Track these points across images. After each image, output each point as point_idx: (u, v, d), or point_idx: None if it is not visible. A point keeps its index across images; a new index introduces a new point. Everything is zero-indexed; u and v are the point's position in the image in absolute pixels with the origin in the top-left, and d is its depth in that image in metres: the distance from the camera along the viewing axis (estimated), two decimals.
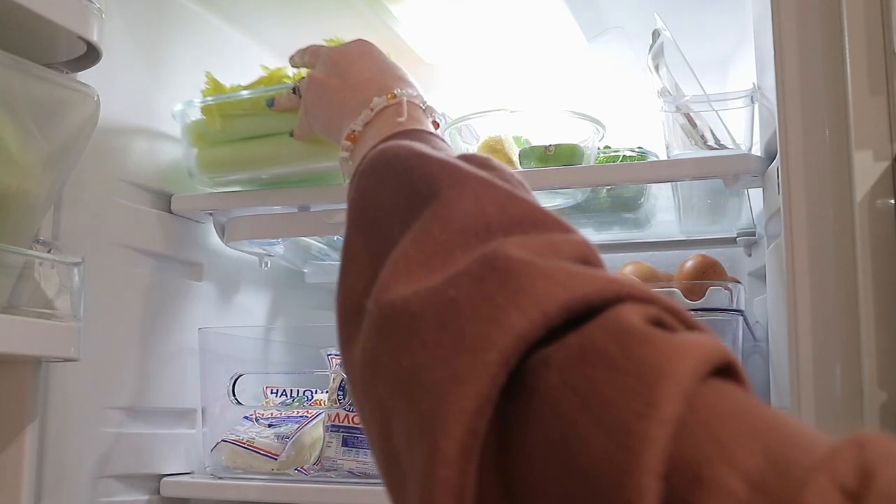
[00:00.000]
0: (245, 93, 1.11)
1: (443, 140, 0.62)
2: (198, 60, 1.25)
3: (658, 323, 0.35)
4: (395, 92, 0.72)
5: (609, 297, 0.36)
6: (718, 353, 0.34)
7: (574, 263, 0.39)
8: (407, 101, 0.71)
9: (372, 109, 0.70)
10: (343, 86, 0.79)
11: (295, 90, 0.99)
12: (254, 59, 1.38)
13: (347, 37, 0.92)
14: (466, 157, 0.51)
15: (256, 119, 1.10)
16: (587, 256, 0.41)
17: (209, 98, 1.14)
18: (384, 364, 0.40)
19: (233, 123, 1.12)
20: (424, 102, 0.73)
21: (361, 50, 0.84)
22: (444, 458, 0.33)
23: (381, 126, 0.69)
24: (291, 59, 0.99)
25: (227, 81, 1.16)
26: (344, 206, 0.56)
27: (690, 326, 0.37)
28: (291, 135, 1.04)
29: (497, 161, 0.51)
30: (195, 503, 1.19)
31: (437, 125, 0.74)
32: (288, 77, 1.13)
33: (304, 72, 1.03)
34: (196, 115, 1.15)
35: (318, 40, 0.98)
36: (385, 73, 0.78)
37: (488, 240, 0.42)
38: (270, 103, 1.06)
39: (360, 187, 0.55)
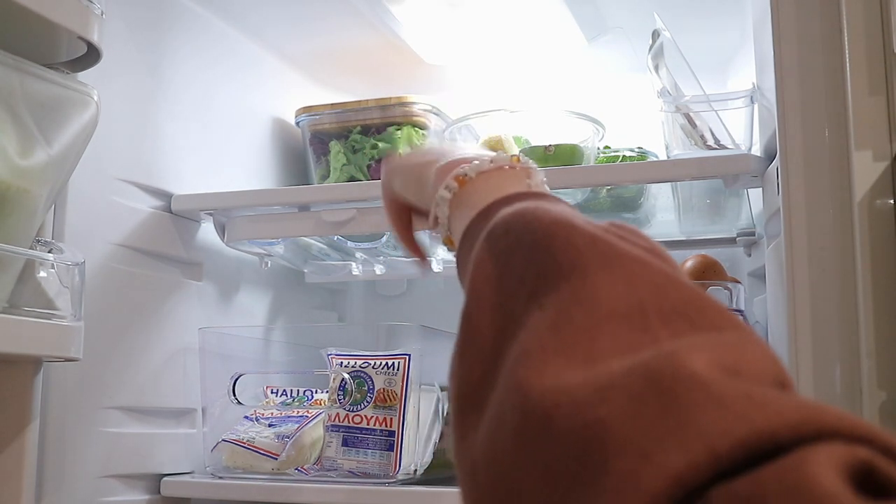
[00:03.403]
0: None
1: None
2: (198, 60, 1.25)
3: (867, 475, 0.27)
4: (520, 156, 0.59)
5: (805, 434, 0.29)
6: None
7: (761, 384, 0.32)
8: (534, 170, 0.58)
9: (492, 161, 0.57)
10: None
11: None
12: (254, 58, 1.38)
13: (347, 37, 0.91)
14: (617, 227, 0.43)
15: None
16: (778, 375, 0.34)
17: None
18: (516, 478, 0.35)
19: None
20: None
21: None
22: None
23: (502, 183, 0.56)
24: None
25: (226, 80, 1.16)
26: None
27: None
28: None
29: (650, 240, 0.44)
30: (195, 503, 1.19)
31: None
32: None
33: None
34: None
35: (318, 40, 0.97)
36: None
37: (644, 329, 0.36)
38: None
39: (493, 251, 0.46)
